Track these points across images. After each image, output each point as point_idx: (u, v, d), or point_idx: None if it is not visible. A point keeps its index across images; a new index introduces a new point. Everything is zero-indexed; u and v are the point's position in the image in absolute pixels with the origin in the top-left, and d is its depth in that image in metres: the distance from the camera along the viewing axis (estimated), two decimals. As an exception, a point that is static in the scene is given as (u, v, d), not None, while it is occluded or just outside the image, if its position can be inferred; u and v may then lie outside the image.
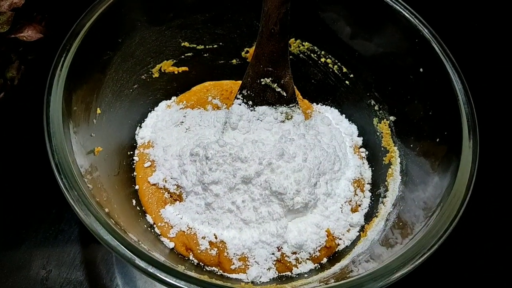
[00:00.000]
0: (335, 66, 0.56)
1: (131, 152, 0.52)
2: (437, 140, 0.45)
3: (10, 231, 0.52)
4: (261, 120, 0.51)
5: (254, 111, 0.51)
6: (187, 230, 0.47)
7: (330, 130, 0.54)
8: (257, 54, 0.48)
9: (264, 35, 0.46)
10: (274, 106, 0.51)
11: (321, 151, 0.49)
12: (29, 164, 0.56)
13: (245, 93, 0.50)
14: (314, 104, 0.60)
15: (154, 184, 0.51)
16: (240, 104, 0.51)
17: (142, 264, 0.33)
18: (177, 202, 0.49)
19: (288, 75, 0.49)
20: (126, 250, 0.34)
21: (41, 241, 0.52)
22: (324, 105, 0.60)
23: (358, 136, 0.57)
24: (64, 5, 0.59)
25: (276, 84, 0.50)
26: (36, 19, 0.57)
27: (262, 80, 0.49)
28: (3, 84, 0.56)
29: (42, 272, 0.50)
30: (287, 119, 0.51)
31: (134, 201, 0.49)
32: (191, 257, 0.47)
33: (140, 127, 0.55)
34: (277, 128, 0.51)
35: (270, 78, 0.49)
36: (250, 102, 0.51)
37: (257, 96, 0.50)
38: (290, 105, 0.51)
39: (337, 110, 0.59)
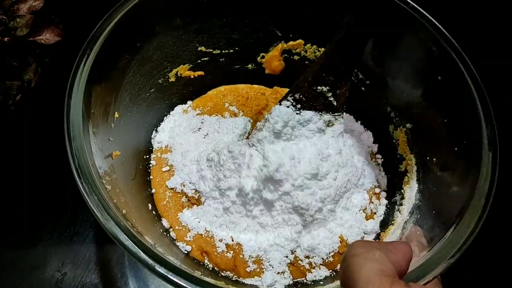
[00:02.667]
0: (351, 72, 0.56)
1: (147, 156, 0.53)
2: (455, 149, 0.44)
3: (26, 233, 0.53)
4: (303, 126, 0.49)
5: (300, 115, 0.49)
6: (204, 233, 0.48)
7: (358, 143, 0.54)
8: (324, 63, 0.46)
9: (338, 47, 0.45)
10: (320, 113, 0.49)
11: (351, 168, 0.48)
12: (44, 166, 0.56)
13: (297, 97, 0.48)
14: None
15: (172, 188, 0.51)
16: (288, 107, 0.49)
17: (162, 270, 0.33)
18: (195, 206, 0.50)
19: (346, 86, 0.48)
20: (147, 256, 0.34)
21: (56, 243, 0.52)
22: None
23: (373, 142, 0.57)
24: (82, 8, 0.59)
25: (331, 94, 0.48)
26: (54, 22, 0.58)
27: (319, 87, 0.48)
28: (20, 86, 0.56)
29: (57, 274, 0.50)
30: (328, 126, 0.50)
31: (150, 205, 0.49)
32: (206, 261, 0.47)
33: (156, 131, 0.55)
34: (317, 138, 0.49)
35: (327, 87, 0.48)
36: (299, 106, 0.49)
37: (307, 101, 0.48)
38: (336, 114, 0.50)
39: (352, 116, 0.58)
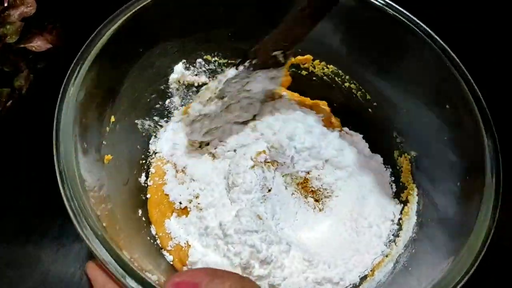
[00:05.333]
0: (359, 93, 0.54)
1: (143, 161, 0.52)
2: (458, 184, 0.42)
3: (11, 246, 0.51)
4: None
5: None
6: (185, 245, 0.46)
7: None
8: (282, 34, 0.46)
9: (298, 20, 0.44)
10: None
11: None
12: (35, 174, 0.54)
13: (254, 62, 0.47)
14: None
15: (167, 194, 0.50)
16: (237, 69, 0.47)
17: (133, 284, 0.33)
18: (184, 216, 0.49)
19: (293, 48, 0.49)
20: (119, 268, 0.33)
21: (42, 257, 0.51)
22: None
23: (377, 166, 0.55)
24: (79, 13, 0.58)
25: (282, 55, 0.48)
26: (47, 29, 0.57)
27: (274, 52, 0.47)
28: (11, 93, 0.55)
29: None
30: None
31: (140, 211, 0.48)
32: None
33: (155, 136, 0.53)
34: None
35: (281, 51, 0.47)
36: (251, 68, 0.48)
37: (259, 64, 0.48)
38: (279, 68, 0.49)
39: (361, 136, 0.56)
